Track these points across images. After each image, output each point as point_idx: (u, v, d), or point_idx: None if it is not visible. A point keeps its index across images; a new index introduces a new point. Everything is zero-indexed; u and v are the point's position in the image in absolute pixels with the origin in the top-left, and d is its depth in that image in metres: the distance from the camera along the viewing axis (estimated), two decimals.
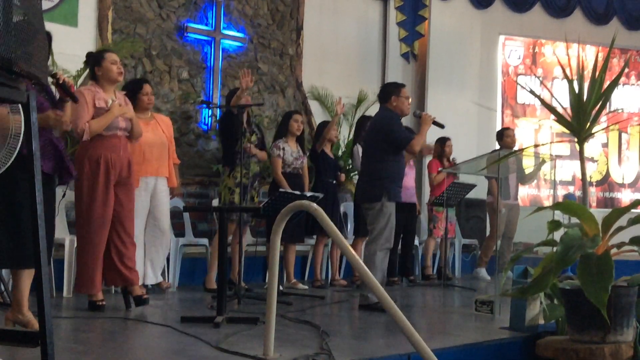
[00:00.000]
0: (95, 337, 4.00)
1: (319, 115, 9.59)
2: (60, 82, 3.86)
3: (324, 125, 7.46)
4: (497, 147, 8.43)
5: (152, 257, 5.95)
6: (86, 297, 4.92)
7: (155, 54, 8.13)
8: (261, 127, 7.35)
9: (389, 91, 5.65)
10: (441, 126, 5.95)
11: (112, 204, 4.87)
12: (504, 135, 8.40)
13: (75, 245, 5.66)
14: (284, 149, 6.77)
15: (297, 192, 5.57)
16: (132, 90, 5.84)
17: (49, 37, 4.00)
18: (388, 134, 5.46)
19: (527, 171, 8.03)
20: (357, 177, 7.52)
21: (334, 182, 7.28)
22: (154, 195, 5.92)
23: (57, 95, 4.00)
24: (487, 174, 7.46)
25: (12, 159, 2.78)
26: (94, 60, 5.02)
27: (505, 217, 7.90)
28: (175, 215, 6.83)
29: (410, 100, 5.74)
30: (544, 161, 7.65)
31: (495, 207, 8.24)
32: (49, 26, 2.64)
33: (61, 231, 5.99)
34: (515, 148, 8.47)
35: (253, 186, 6.39)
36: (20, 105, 2.50)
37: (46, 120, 3.83)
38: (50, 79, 3.83)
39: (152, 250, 5.94)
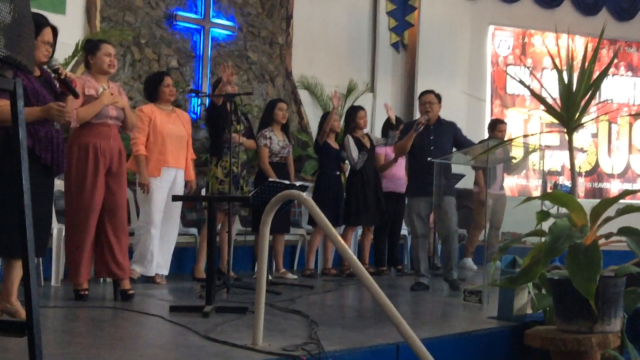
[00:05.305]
0: (83, 327, 3.99)
1: (308, 105, 9.57)
2: (62, 77, 3.96)
3: (324, 117, 7.38)
4: (487, 136, 8.40)
5: (164, 247, 5.95)
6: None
7: (144, 42, 8.09)
8: (248, 116, 7.30)
9: None
10: None
11: (102, 192, 4.82)
12: (497, 129, 8.28)
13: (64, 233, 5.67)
14: (270, 138, 6.69)
15: (286, 182, 5.56)
16: (153, 82, 5.98)
17: (54, 31, 4.01)
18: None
19: (514, 162, 8.03)
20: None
21: (338, 173, 7.24)
22: (173, 186, 5.92)
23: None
24: (475, 165, 7.48)
25: None
26: (89, 49, 5.02)
27: (492, 208, 7.90)
28: None
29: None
30: (531, 151, 7.65)
31: (481, 198, 8.28)
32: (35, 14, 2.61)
33: None
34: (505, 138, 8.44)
35: (242, 175, 6.36)
36: None
37: (48, 112, 3.82)
38: (52, 74, 3.98)
39: (164, 240, 5.94)
